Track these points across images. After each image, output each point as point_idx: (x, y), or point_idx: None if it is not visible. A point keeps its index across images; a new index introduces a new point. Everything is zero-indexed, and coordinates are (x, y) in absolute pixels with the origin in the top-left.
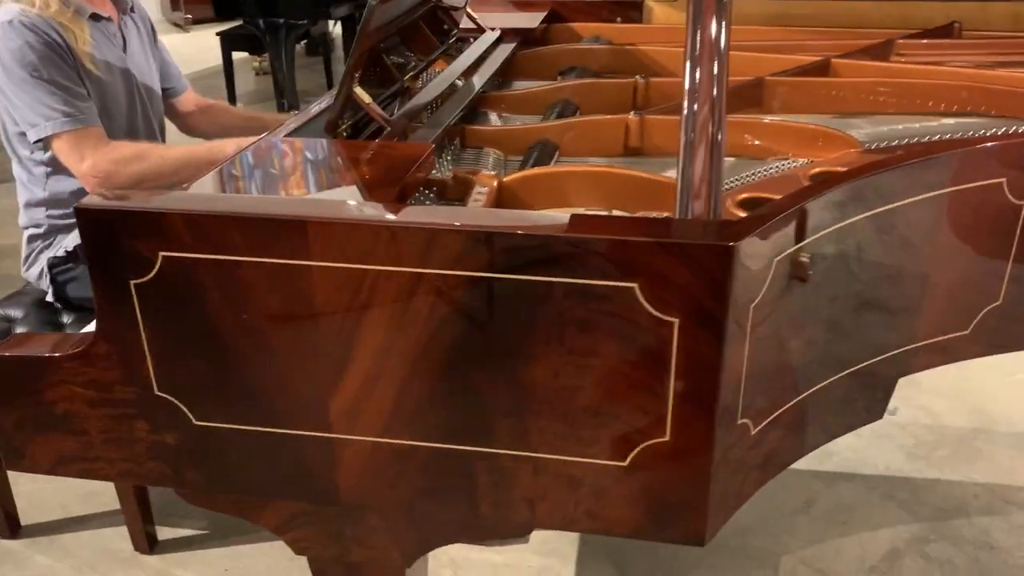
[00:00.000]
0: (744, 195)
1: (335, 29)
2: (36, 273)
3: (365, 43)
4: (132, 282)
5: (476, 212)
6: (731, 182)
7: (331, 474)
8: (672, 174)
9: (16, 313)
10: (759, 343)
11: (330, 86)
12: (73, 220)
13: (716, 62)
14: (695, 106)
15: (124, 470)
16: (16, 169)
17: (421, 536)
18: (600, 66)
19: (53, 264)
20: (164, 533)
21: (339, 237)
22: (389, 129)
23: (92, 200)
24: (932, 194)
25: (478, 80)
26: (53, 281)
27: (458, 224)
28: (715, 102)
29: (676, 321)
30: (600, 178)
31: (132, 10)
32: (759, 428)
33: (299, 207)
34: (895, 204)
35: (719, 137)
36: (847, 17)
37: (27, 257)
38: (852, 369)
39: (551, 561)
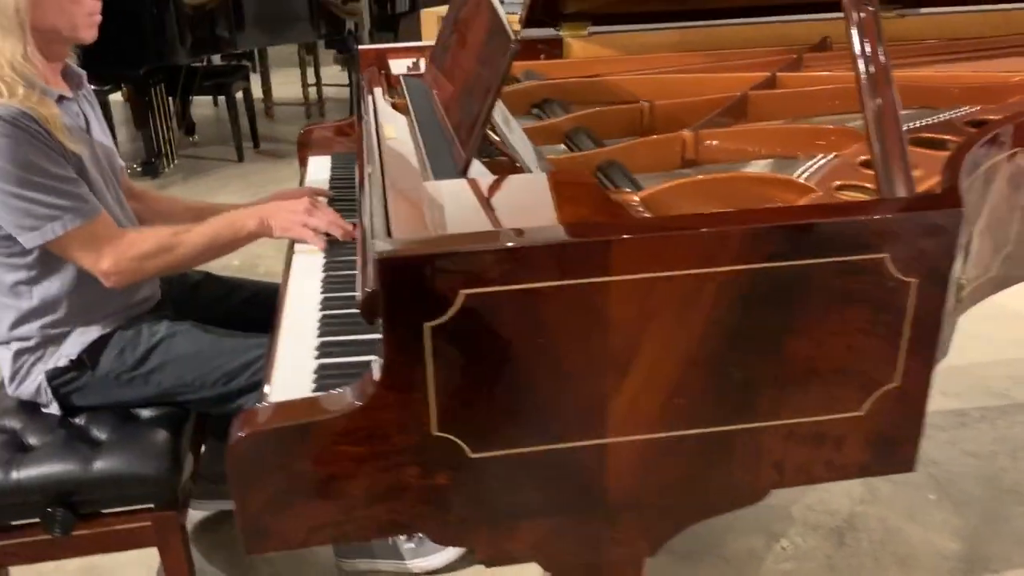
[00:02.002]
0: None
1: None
2: (32, 390)
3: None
4: (427, 324)
5: (739, 214)
6: (803, 173)
7: (600, 479)
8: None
9: (14, 424)
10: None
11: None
12: (68, 328)
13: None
14: (877, 99)
15: (386, 522)
16: None
17: (672, 522)
18: (567, 97)
19: (53, 376)
20: None
21: (638, 251)
22: (517, 163)
23: (393, 249)
24: (998, 158)
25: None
26: (56, 393)
27: (742, 225)
28: (893, 97)
29: (915, 281)
30: (715, 184)
31: (83, 85)
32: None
33: (596, 230)
34: (989, 163)
35: (902, 128)
36: (735, 39)
37: (14, 375)
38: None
39: None
